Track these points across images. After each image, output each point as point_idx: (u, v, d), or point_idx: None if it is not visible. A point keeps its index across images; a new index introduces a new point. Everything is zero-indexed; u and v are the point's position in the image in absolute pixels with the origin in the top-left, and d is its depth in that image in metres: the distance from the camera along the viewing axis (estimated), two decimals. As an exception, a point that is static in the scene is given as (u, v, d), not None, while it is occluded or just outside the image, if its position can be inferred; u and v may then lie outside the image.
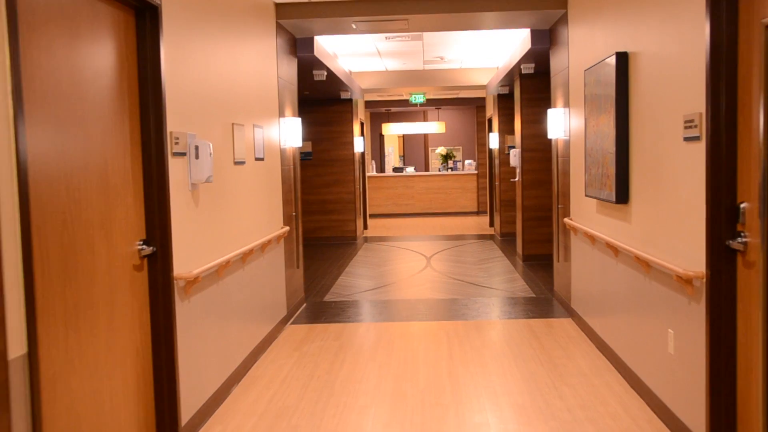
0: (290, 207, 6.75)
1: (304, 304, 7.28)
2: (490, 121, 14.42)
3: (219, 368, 4.29)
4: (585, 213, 5.59)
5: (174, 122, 3.56)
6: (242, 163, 4.95)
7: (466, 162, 18.32)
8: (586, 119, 5.23)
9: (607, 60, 4.53)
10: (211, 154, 3.90)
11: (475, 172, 17.81)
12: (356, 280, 8.72)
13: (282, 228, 6.23)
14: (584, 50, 5.49)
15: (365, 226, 14.69)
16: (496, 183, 12.90)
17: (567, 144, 6.39)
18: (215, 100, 4.36)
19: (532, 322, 6.20)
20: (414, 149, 21.59)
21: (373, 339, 5.80)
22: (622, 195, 4.35)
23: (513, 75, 9.81)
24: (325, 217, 12.78)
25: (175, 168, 3.56)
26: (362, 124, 14.56)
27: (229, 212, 4.58)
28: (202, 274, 3.90)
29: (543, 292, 7.55)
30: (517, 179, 10.01)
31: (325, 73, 8.62)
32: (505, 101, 12.36)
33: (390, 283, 8.37)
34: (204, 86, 4.14)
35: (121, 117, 3.07)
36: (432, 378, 4.73)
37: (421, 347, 5.50)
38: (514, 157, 9.93)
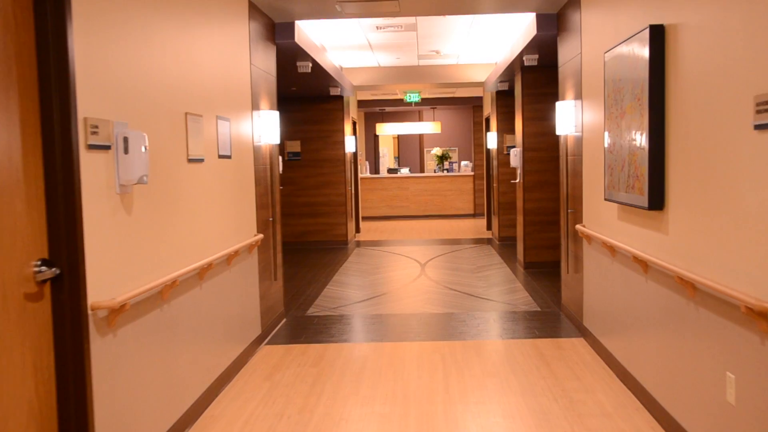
0: (266, 211, 5.97)
1: (284, 320, 6.50)
2: (487, 120, 13.67)
3: (163, 413, 3.51)
4: (603, 219, 4.82)
5: (93, 106, 2.79)
6: (199, 160, 4.17)
7: (463, 163, 17.57)
8: (606, 110, 4.47)
9: (636, 36, 3.76)
10: (146, 147, 3.12)
11: (472, 173, 17.08)
12: (344, 290, 7.94)
13: (255, 236, 5.45)
14: (603, 29, 4.73)
15: (357, 230, 13.92)
16: (495, 185, 12.14)
17: (578, 141, 5.63)
18: (161, 84, 3.58)
19: (539, 343, 5.44)
20: (409, 150, 20.84)
21: (358, 365, 5.02)
22: (657, 199, 3.59)
23: (513, 69, 9.05)
24: (314, 221, 12.01)
25: (93, 165, 2.78)
26: (354, 124, 13.80)
27: (179, 220, 3.80)
28: (134, 300, 3.12)
29: (549, 306, 6.78)
30: (517, 181, 9.26)
31: (310, 65, 7.85)
32: (504, 98, 11.60)
33: (381, 294, 7.60)
34: (144, 66, 3.37)
35: (4, 94, 2.29)
36: (425, 420, 3.95)
37: (413, 376, 4.73)
38: (515, 158, 9.17)
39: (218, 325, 4.50)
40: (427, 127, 18.02)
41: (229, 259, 4.73)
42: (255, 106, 5.65)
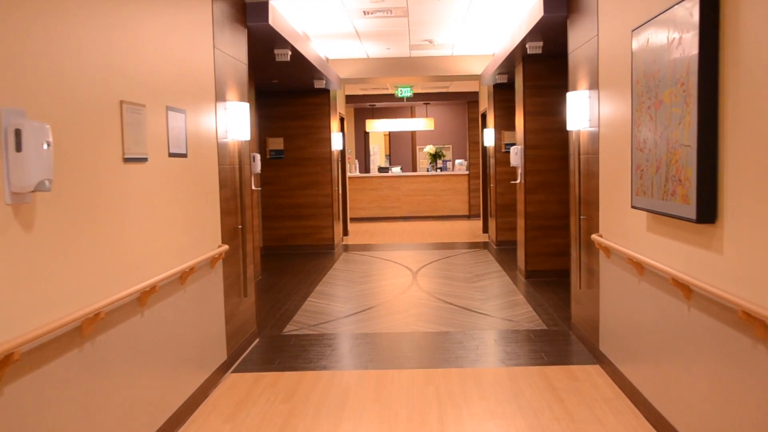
0: (234, 218, 5.21)
1: (257, 340, 5.74)
2: (483, 116, 12.94)
3: (82, 481, 2.75)
4: (628, 230, 4.09)
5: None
6: (140, 160, 3.41)
7: (457, 162, 16.85)
8: (634, 100, 3.72)
9: (680, 5, 3.02)
10: (49, 144, 2.36)
11: (467, 172, 16.35)
12: (327, 303, 7.19)
13: (219, 247, 4.69)
14: (628, 4, 3.99)
15: (345, 233, 13.17)
16: (492, 185, 11.41)
17: (593, 137, 4.89)
18: (84, 64, 2.82)
19: (548, 372, 4.70)
20: (401, 148, 20.10)
21: (337, 400, 4.27)
22: (707, 209, 2.85)
23: (514, 59, 8.32)
24: (298, 223, 11.25)
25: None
26: (342, 120, 13.04)
27: (108, 235, 3.04)
28: (33, 345, 2.36)
29: (556, 323, 6.05)
30: (518, 181, 8.52)
31: (289, 53, 7.09)
32: (502, 92, 10.87)
33: (368, 308, 6.85)
34: (58, 40, 2.61)
35: None
36: (416, 478, 3.21)
37: (403, 417, 3.98)
38: (515, 156, 8.43)
39: (168, 357, 3.74)
40: (420, 123, 17.28)
41: (184, 277, 3.97)
42: (220, 97, 4.89)
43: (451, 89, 15.92)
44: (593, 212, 4.93)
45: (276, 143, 11.19)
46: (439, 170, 16.83)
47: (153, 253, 3.54)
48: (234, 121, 5.09)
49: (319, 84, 9.82)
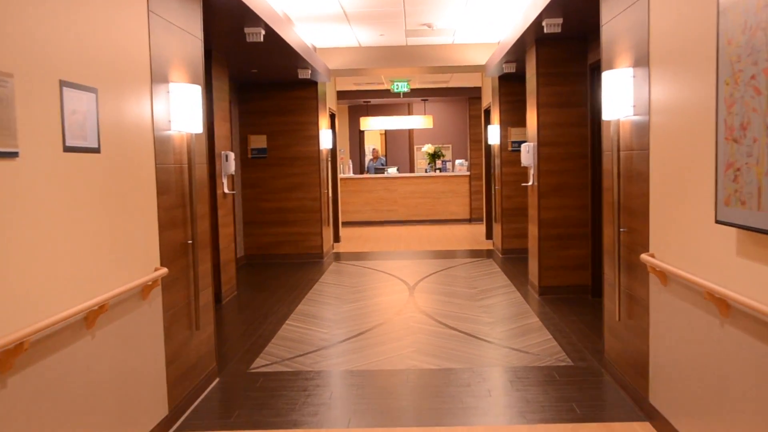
0: (180, 232, 4.10)
1: (216, 380, 4.65)
2: (487, 112, 11.85)
3: None
4: (705, 252, 2.99)
5: None
6: (9, 155, 2.31)
7: (457, 162, 15.77)
8: (723, 70, 2.63)
9: None
10: None
11: (468, 173, 15.27)
12: (309, 327, 6.10)
13: (156, 271, 3.59)
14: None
15: (336, 239, 12.07)
16: (497, 187, 10.34)
17: (641, 128, 3.80)
18: None
19: (583, 430, 3.61)
20: (397, 147, 19.00)
21: (307, 479, 3.17)
22: None
23: (525, 43, 7.23)
24: (283, 230, 10.15)
25: None
26: (333, 116, 11.94)
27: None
28: None
29: (582, 356, 4.97)
30: (530, 184, 7.43)
31: (263, 32, 6.00)
32: (509, 84, 9.79)
33: (355, 335, 5.76)
34: None
35: None
36: None
37: None
38: (527, 155, 7.34)
39: (69, 424, 2.65)
40: (418, 121, 16.20)
41: (91, 318, 2.88)
42: (159, 77, 3.79)
43: (451, 84, 14.85)
44: (639, 224, 3.84)
45: (258, 141, 10.10)
46: (438, 171, 15.76)
47: (28, 292, 2.45)
48: (181, 108, 4.00)
49: (303, 74, 8.72)
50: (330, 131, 10.63)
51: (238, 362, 5.07)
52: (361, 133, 19.53)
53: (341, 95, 15.36)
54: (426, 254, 10.50)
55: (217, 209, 7.12)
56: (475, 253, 10.51)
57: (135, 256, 3.39)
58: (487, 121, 11.89)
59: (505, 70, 8.77)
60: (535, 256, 7.27)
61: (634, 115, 3.90)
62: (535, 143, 7.13)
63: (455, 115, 18.05)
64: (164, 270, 3.64)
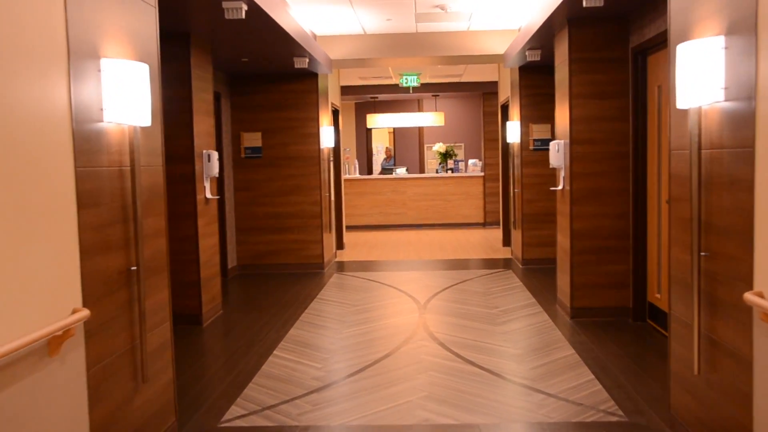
0: (118, 257, 3.11)
1: (176, 440, 3.67)
2: (504, 107, 10.84)
3: None
4: None
5: None
6: None
7: (470, 162, 14.77)
8: None
9: None
10: None
11: (482, 174, 14.26)
12: (299, 359, 5.11)
13: (73, 314, 2.61)
14: None
15: (340, 245, 11.08)
16: (516, 190, 9.33)
17: (738, 118, 2.80)
18: None
19: None
20: (407, 146, 17.99)
21: None
22: None
23: (554, 25, 6.22)
24: (280, 237, 9.17)
25: None
26: (336, 112, 10.96)
27: None
28: None
29: (638, 406, 3.96)
30: (560, 188, 6.41)
31: (244, 7, 5.01)
32: (531, 75, 8.79)
33: (354, 373, 4.76)
34: None
35: None
36: None
37: None
38: (556, 154, 6.33)
39: None
40: (428, 118, 15.19)
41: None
42: (82, 50, 2.80)
43: (465, 78, 13.83)
44: (733, 248, 2.83)
45: (252, 139, 9.12)
46: (449, 171, 14.75)
47: None
48: (119, 93, 3.01)
49: (300, 63, 7.73)
50: (332, 128, 9.64)
51: (207, 412, 4.08)
52: (369, 131, 18.55)
53: (346, 91, 14.38)
54: (437, 264, 9.49)
55: (197, 218, 6.14)
56: (492, 263, 9.50)
57: (35, 298, 2.41)
58: (505, 118, 10.88)
59: (529, 59, 7.75)
60: (566, 272, 6.25)
61: (727, 100, 2.89)
62: (567, 141, 6.11)
63: (468, 111, 17.02)
64: (85, 312, 2.65)
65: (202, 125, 6.36)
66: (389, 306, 6.90)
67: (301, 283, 8.34)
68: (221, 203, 8.61)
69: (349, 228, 13.97)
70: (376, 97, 15.22)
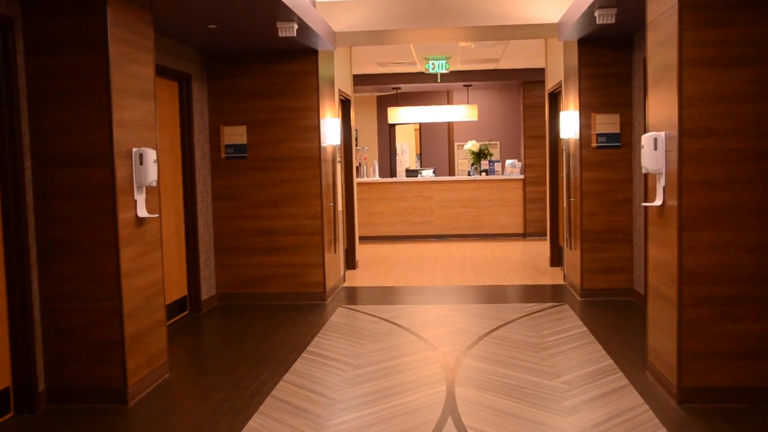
0: None
1: None
2: (553, 96, 8.76)
3: None
4: None
5: None
6: None
7: (508, 162, 12.67)
8: None
9: None
10: None
11: (521, 176, 12.18)
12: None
13: None
14: None
15: (351, 265, 9.09)
16: (572, 199, 7.26)
17: None
18: None
19: None
20: (434, 145, 15.89)
21: None
22: None
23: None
24: (270, 260, 7.20)
25: None
26: (346, 102, 8.97)
27: None
28: None
29: None
30: (658, 203, 4.29)
31: None
32: (596, 50, 6.75)
33: None
34: None
35: None
36: None
37: None
38: (653, 153, 4.21)
39: None
40: (459, 112, 13.10)
41: None
42: None
43: (502, 64, 11.74)
44: None
45: (235, 134, 7.16)
46: (483, 174, 12.66)
47: None
48: None
49: (286, 29, 5.73)
50: (338, 120, 7.63)
51: None
52: (392, 127, 16.52)
53: (364, 80, 12.39)
54: (471, 292, 7.43)
55: (119, 247, 4.17)
56: (540, 293, 7.42)
57: None
58: (554, 109, 8.78)
59: (599, 22, 5.64)
60: (669, 331, 4.15)
61: None
62: (673, 132, 4.01)
63: (506, 104, 14.85)
64: None
65: (133, 112, 4.40)
66: (405, 370, 4.87)
67: (292, 321, 6.36)
68: (190, 216, 6.67)
69: (366, 240, 11.99)
70: (399, 88, 13.19)
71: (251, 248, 7.21)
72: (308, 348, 5.44)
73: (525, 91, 12.34)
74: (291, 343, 5.60)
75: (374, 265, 9.52)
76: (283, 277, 7.20)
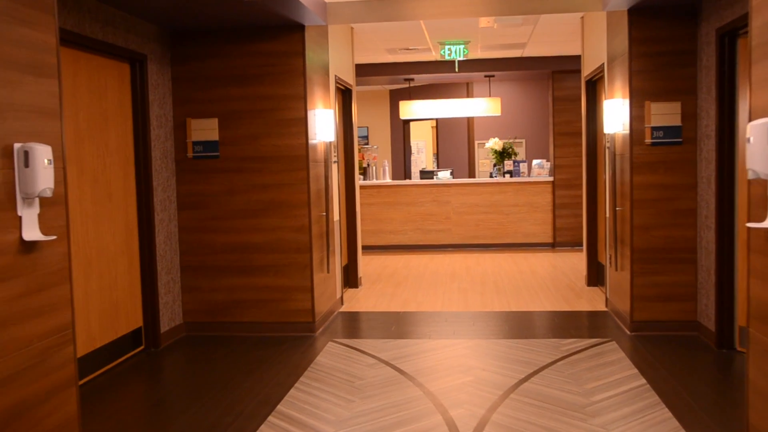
0: None
1: None
2: (591, 83, 7.39)
3: None
4: None
5: None
6: None
7: (535, 163, 11.27)
8: None
9: None
10: None
11: (550, 179, 10.80)
12: None
13: None
14: None
15: (353, 283, 7.79)
16: (620, 207, 5.89)
17: None
18: None
19: None
20: (452, 143, 14.50)
21: None
22: None
23: None
24: (247, 282, 5.91)
25: None
26: (347, 92, 7.67)
27: None
28: None
29: None
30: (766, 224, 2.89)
31: None
32: (653, 21, 5.38)
33: None
34: None
35: None
36: None
37: None
38: (766, 149, 2.83)
39: None
40: (480, 106, 11.72)
41: None
42: None
43: (528, 51, 10.36)
44: None
45: (204, 129, 5.87)
46: (507, 176, 11.27)
47: None
48: None
49: (251, -10, 4.43)
50: (331, 112, 6.30)
51: None
52: (406, 124, 15.19)
53: (373, 71, 11.07)
54: (493, 322, 6.07)
55: (-18, 287, 2.88)
56: (578, 323, 6.05)
57: None
58: (593, 99, 7.41)
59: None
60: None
61: None
62: (802, 118, 2.63)
63: (533, 97, 13.40)
64: None
65: (15, 92, 3.11)
66: (401, 447, 3.54)
67: (269, 360, 5.06)
68: (146, 229, 5.40)
69: (374, 250, 10.69)
70: (412, 80, 11.84)
71: (224, 268, 5.92)
72: (279, 407, 4.13)
73: (555, 82, 10.93)
74: (260, 397, 4.29)
75: (380, 283, 8.19)
76: (262, 303, 5.91)
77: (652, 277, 5.53)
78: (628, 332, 5.60)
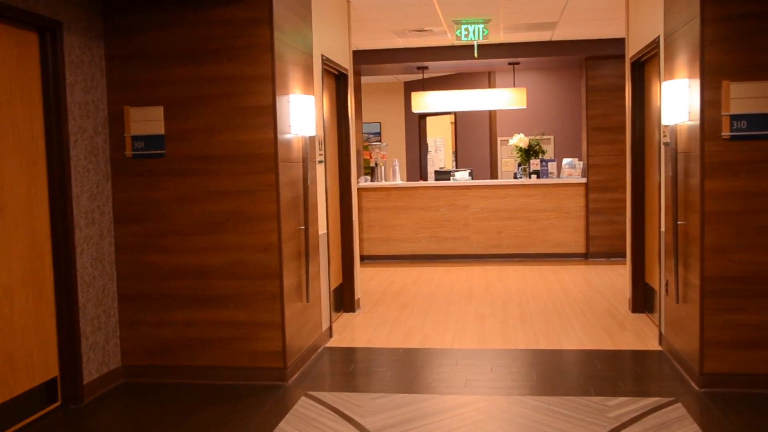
0: None
1: None
2: (638, 64, 6.01)
3: None
4: None
5: None
6: None
7: (565, 162, 9.87)
8: None
9: None
10: None
11: (583, 180, 9.43)
12: None
13: None
14: None
15: (349, 307, 6.50)
16: (682, 221, 4.49)
17: None
18: None
19: None
20: (471, 140, 13.10)
21: None
22: None
23: None
24: (201, 315, 4.62)
25: None
26: (342, 77, 6.37)
27: None
28: None
29: None
30: None
31: None
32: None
33: None
34: None
35: None
36: None
37: None
38: None
39: None
40: (503, 98, 10.32)
41: None
42: None
43: (558, 35, 8.98)
44: None
45: (146, 120, 4.59)
46: (534, 176, 9.88)
47: None
48: None
49: None
50: (311, 99, 4.95)
51: None
52: (422, 120, 13.85)
53: (380, 57, 9.76)
54: (516, 367, 4.72)
55: None
56: (624, 367, 4.71)
57: None
58: (639, 84, 6.01)
59: None
60: None
61: None
62: None
63: (563, 87, 11.90)
64: None
65: None
66: None
67: (219, 425, 3.77)
68: (62, 250, 4.13)
69: (382, 260, 9.40)
70: (426, 68, 10.47)
71: (174, 297, 4.64)
72: None
73: (589, 70, 9.53)
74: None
75: (383, 304, 6.88)
76: (221, 342, 4.62)
77: (730, 315, 4.15)
78: (697, 387, 4.23)
